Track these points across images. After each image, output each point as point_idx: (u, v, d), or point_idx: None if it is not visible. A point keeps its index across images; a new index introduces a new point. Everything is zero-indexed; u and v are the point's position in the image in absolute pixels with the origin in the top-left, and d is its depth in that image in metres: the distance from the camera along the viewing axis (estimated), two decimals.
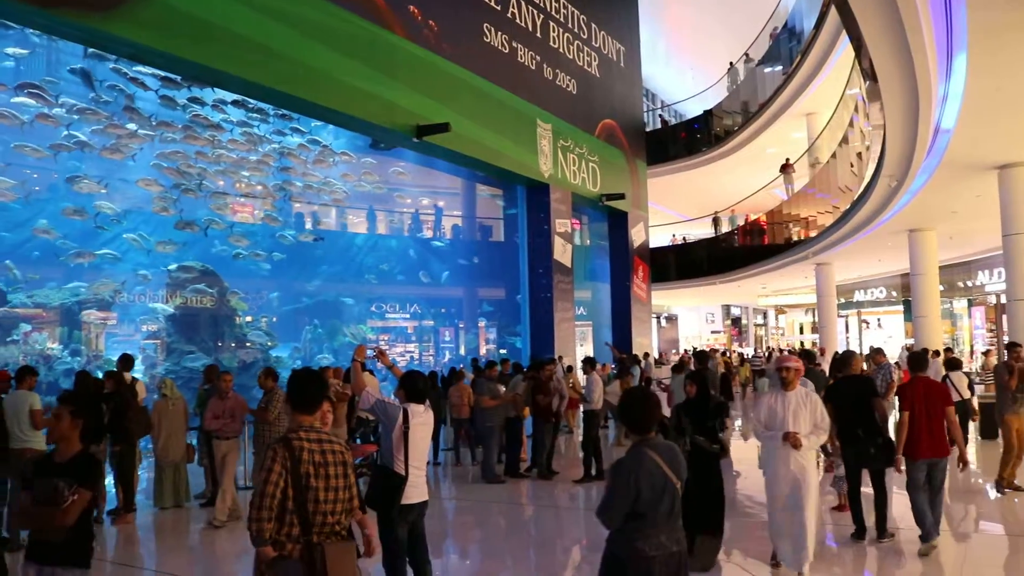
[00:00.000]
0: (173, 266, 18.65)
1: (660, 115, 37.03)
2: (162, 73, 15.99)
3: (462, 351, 24.38)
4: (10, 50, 15.85)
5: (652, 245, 28.04)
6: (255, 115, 19.08)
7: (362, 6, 14.28)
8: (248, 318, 20.67)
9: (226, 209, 19.91)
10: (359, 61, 14.05)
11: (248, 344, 20.00)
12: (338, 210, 23.76)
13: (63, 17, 9.81)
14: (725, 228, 32.88)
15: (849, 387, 8.16)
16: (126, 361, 11.19)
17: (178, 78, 16.37)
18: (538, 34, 20.40)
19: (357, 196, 23.08)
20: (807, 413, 6.61)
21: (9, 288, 16.23)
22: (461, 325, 25.36)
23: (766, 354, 33.34)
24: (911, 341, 26.49)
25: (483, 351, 24.41)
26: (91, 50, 15.55)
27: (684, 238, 36.52)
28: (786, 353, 11.61)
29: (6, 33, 15.78)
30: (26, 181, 16.08)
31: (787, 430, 6.51)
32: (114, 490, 10.00)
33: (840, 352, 10.80)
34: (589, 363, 13.62)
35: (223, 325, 19.62)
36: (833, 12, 17.66)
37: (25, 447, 8.24)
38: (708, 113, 30.01)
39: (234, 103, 18.24)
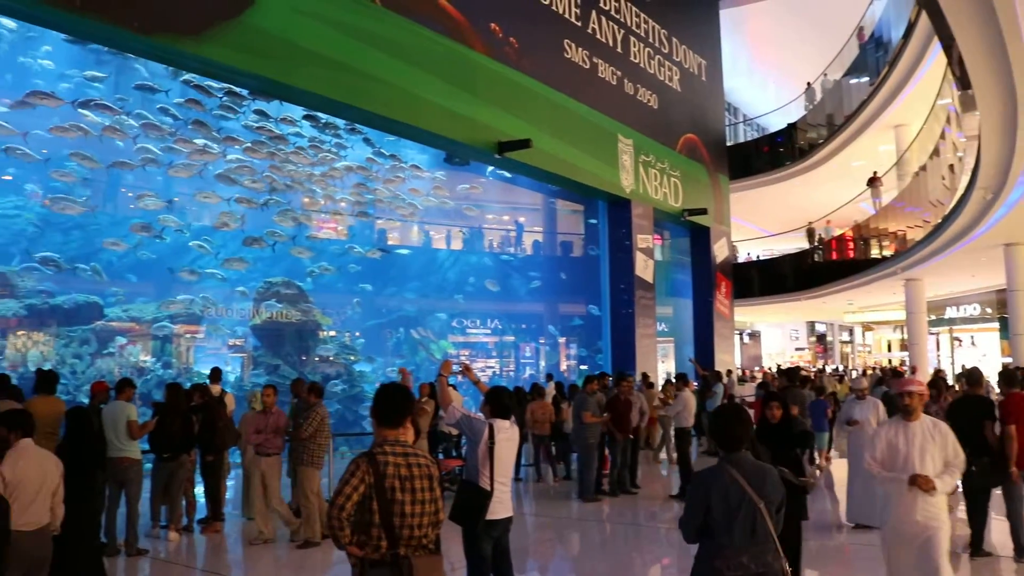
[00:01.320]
0: (270, 279, 19.17)
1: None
2: (229, 87, 16.38)
3: (542, 367, 24.34)
4: (88, 73, 16.49)
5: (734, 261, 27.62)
6: (328, 131, 19.51)
7: (444, 24, 14.47)
8: (332, 332, 21.03)
9: (311, 225, 20.38)
10: (441, 78, 14.20)
11: (331, 358, 20.33)
12: (419, 226, 24.04)
13: (159, 42, 10.15)
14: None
15: (970, 406, 7.91)
16: (215, 374, 11.62)
17: (244, 92, 16.75)
18: (619, 49, 20.33)
19: (437, 212, 23.29)
20: (936, 448, 5.30)
21: (108, 302, 16.86)
22: (542, 341, 25.36)
23: (859, 372, 32.39)
24: (1009, 360, 25.46)
25: (564, 367, 24.34)
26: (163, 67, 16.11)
27: (759, 256, 35.87)
28: (872, 372, 11.22)
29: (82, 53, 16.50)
30: (89, 198, 16.59)
31: (913, 471, 5.24)
32: (204, 499, 10.26)
33: (968, 368, 10.42)
34: (682, 380, 13.47)
35: (308, 339, 19.99)
36: (923, 20, 17.19)
37: (122, 456, 8.51)
38: (791, 126, 29.44)
39: (306, 118, 18.64)
